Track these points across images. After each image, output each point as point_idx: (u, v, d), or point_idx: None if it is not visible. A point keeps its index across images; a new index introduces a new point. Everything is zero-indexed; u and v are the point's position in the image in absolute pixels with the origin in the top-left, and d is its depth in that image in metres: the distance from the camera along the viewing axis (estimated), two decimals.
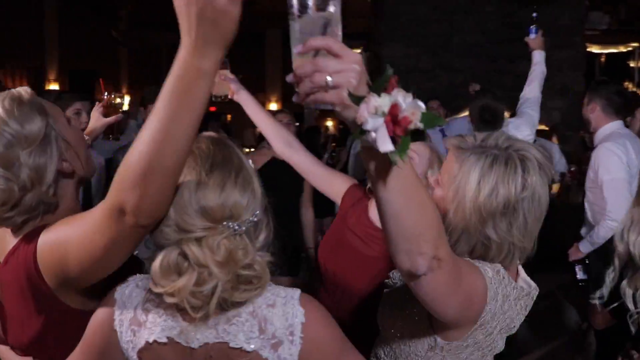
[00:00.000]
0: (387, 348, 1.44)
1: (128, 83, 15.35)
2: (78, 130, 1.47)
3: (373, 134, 0.83)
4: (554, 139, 6.94)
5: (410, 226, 0.99)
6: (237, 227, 1.12)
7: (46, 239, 1.29)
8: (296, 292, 1.20)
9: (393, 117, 0.82)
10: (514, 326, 1.34)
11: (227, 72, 2.10)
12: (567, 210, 6.64)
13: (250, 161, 1.23)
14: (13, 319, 1.39)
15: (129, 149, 1.04)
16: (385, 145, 0.82)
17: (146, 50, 15.51)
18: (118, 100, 2.57)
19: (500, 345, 1.35)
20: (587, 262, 3.41)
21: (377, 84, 0.84)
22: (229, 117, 17.53)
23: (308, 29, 0.88)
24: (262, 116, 2.15)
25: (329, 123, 14.83)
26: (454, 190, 1.29)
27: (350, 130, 0.91)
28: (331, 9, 0.87)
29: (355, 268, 1.94)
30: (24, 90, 1.36)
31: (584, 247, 3.38)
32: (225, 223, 1.11)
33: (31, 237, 1.31)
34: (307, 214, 3.85)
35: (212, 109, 16.97)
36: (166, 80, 1.01)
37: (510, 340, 1.39)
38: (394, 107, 0.82)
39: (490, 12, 8.09)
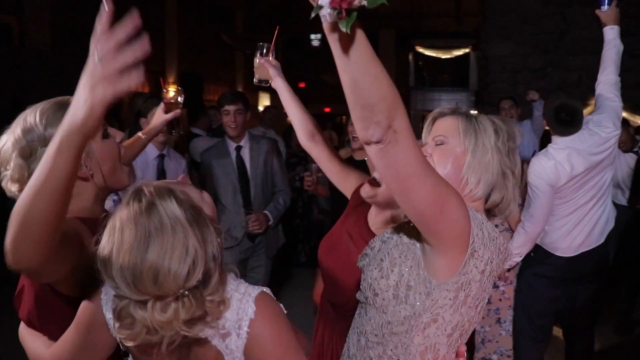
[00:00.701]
0: (374, 322, 1.43)
1: (244, 86, 15.95)
2: (111, 146, 1.57)
3: (325, 8, 1.00)
4: None
5: (366, 95, 1.10)
6: (180, 292, 1.15)
7: None
8: (255, 290, 1.27)
9: None
10: (493, 283, 1.42)
11: (270, 59, 2.17)
12: None
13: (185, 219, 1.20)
14: (24, 291, 1.52)
15: None
16: (330, 15, 1.00)
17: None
18: (173, 95, 2.59)
19: (485, 301, 1.41)
20: None
21: None
22: (344, 118, 17.69)
23: None
24: (294, 105, 2.18)
25: None
26: (470, 137, 1.45)
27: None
28: None
29: (342, 270, 1.91)
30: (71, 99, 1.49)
31: None
32: (168, 297, 1.16)
33: None
34: None
35: (327, 110, 17.26)
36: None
37: None
38: None
39: None
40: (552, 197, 3.13)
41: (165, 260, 1.13)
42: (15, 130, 1.46)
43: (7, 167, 1.45)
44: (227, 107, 3.88)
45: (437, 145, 1.48)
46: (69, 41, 8.54)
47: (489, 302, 3.65)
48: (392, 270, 1.39)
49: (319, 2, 1.01)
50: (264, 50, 2.17)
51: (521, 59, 7.86)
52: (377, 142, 1.13)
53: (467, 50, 10.12)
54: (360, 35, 1.06)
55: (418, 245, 1.38)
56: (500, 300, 3.60)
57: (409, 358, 1.37)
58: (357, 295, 1.52)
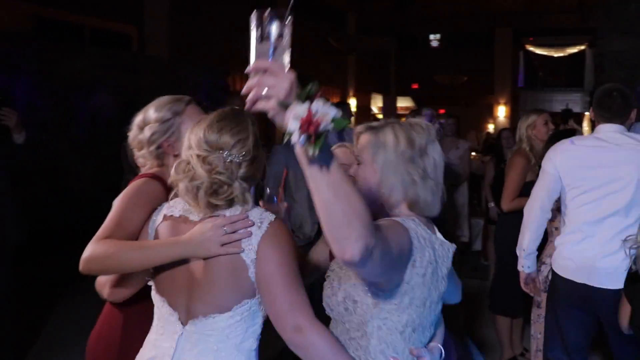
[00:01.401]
0: (336, 330, 1.62)
1: (355, 89, 16.07)
2: None
3: (295, 134, 1.08)
4: None
5: (339, 215, 1.17)
6: (224, 155, 1.59)
7: None
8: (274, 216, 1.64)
9: (308, 120, 1.06)
10: (443, 277, 1.55)
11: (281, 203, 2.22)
12: None
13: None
14: None
15: None
16: (298, 140, 1.08)
17: (374, 56, 16.08)
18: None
19: (434, 298, 1.54)
20: None
21: (301, 95, 1.10)
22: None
23: (262, 52, 1.18)
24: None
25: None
26: (377, 154, 1.58)
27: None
28: (280, 40, 1.18)
29: None
30: (185, 98, 2.06)
31: None
32: (219, 151, 1.59)
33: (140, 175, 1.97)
34: None
35: (442, 111, 16.94)
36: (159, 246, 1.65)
37: None
38: (309, 113, 1.06)
39: None
40: (555, 184, 2.85)
41: (226, 129, 1.61)
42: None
43: (129, 132, 2.00)
44: None
45: (358, 164, 1.64)
46: (185, 49, 9.14)
47: (539, 306, 3.43)
48: (339, 289, 1.58)
49: (289, 129, 1.08)
50: (272, 197, 2.16)
51: None
52: (357, 263, 1.19)
53: (582, 47, 9.47)
54: (330, 156, 1.15)
55: None
56: None
57: (371, 357, 1.53)
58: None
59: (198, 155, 1.58)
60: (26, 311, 5.05)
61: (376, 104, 18.70)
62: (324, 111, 1.07)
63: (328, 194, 1.16)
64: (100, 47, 7.81)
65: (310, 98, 1.08)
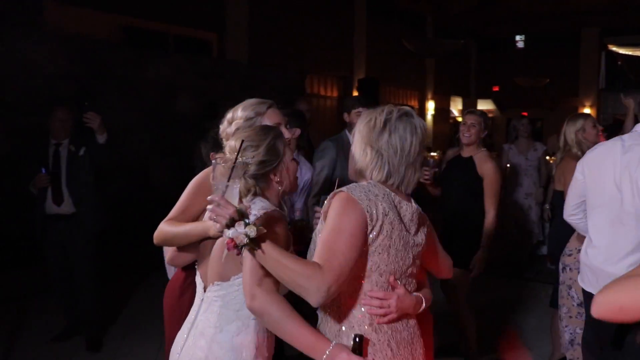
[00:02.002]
0: None
1: (433, 90, 15.89)
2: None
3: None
4: None
5: (289, 282, 1.65)
6: (238, 156, 1.92)
7: None
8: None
9: (230, 241, 1.61)
10: (407, 229, 1.81)
11: None
12: None
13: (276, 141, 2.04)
14: None
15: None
16: (230, 251, 1.66)
17: (453, 58, 15.82)
18: None
19: (398, 247, 1.78)
20: None
21: (230, 221, 1.62)
22: (539, 123, 16.79)
23: (218, 188, 1.71)
24: None
25: None
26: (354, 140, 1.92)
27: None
28: (232, 182, 1.75)
29: None
30: (268, 102, 2.39)
31: None
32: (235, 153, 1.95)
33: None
34: (487, 216, 3.95)
35: (524, 114, 16.44)
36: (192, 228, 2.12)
37: None
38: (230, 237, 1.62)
39: None
40: (582, 189, 2.79)
41: (247, 136, 1.97)
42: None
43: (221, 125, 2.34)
44: (359, 109, 4.11)
45: None
46: (263, 53, 9.40)
47: (579, 304, 3.28)
48: (316, 240, 1.85)
49: (225, 241, 1.64)
50: None
51: None
52: (325, 301, 1.65)
53: None
54: (261, 252, 1.63)
55: None
56: None
57: (341, 303, 1.79)
58: None
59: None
60: (108, 294, 5.45)
61: (456, 106, 18.40)
62: (239, 233, 1.58)
63: (272, 270, 1.65)
64: (183, 53, 8.17)
65: (233, 224, 1.60)
